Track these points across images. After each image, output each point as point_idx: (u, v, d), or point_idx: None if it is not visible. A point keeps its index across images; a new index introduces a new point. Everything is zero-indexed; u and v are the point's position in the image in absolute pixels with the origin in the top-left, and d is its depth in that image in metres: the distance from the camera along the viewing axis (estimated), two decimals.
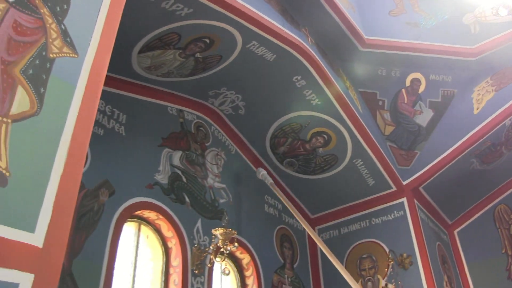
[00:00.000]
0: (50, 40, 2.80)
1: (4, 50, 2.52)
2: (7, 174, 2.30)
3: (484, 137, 8.80)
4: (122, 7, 3.52)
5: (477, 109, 8.91)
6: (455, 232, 10.75)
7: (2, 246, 2.17)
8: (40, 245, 2.28)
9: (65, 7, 2.98)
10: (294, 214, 7.85)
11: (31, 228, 2.30)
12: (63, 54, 2.85)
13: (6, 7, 2.61)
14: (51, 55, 2.77)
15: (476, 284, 9.86)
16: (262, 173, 8.27)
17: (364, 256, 8.98)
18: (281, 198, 8.04)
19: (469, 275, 10.05)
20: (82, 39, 3.03)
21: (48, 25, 2.82)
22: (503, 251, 9.89)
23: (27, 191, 2.35)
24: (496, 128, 8.72)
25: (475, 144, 8.85)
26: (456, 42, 8.95)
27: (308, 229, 7.43)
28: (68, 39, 2.93)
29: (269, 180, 8.18)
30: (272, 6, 6.83)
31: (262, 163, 8.93)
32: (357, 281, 8.56)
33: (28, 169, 2.40)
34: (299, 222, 9.53)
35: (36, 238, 2.31)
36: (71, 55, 2.90)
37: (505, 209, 10.30)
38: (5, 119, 2.39)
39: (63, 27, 2.91)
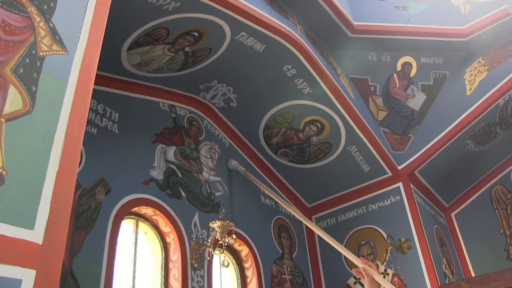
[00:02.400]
0: (39, 38, 2.80)
1: None
2: (4, 172, 2.31)
3: (478, 118, 8.78)
4: (109, 3, 3.51)
5: (470, 90, 8.91)
6: (453, 214, 10.79)
7: (4, 244, 2.19)
8: (40, 242, 2.30)
9: (52, 5, 2.97)
10: (268, 193, 7.83)
11: (30, 225, 2.32)
12: (52, 52, 2.84)
13: None
14: (41, 53, 2.76)
15: (475, 265, 9.90)
16: (233, 163, 8.28)
17: (363, 242, 9.01)
18: (256, 183, 8.04)
19: (468, 257, 10.09)
20: (71, 36, 3.03)
21: (36, 24, 2.81)
22: (501, 232, 9.94)
23: (25, 189, 2.37)
24: (490, 108, 8.70)
25: (469, 125, 8.83)
26: (446, 23, 8.93)
27: (292, 210, 7.39)
28: (57, 37, 2.92)
29: (241, 169, 8.22)
30: None
31: (256, 154, 8.94)
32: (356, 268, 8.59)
33: (24, 167, 2.41)
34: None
35: (36, 235, 2.32)
36: (60, 52, 2.89)
37: (502, 190, 10.33)
38: None
39: (51, 25, 2.91)
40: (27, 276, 2.22)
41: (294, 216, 9.36)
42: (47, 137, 2.57)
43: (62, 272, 4.45)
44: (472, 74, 9.00)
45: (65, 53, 2.93)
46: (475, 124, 8.87)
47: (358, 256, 8.63)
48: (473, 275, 9.63)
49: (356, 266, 3.68)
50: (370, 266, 3.50)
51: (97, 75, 3.19)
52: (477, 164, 10.17)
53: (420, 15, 8.92)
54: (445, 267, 8.78)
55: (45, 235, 2.32)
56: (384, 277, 8.30)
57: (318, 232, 5.86)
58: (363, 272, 3.47)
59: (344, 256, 8.75)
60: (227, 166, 8.28)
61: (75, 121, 2.76)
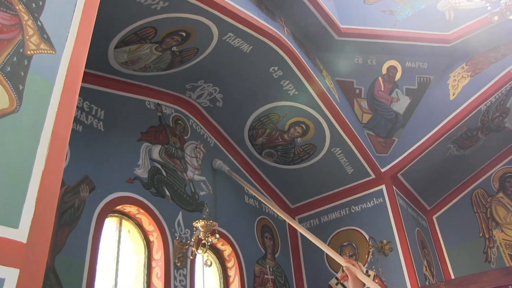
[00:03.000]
0: (27, 37, 2.79)
1: None
2: None
3: (461, 123, 8.89)
4: (98, 2, 3.52)
5: (453, 94, 9.01)
6: (434, 217, 10.90)
7: None
8: (25, 241, 2.29)
9: (41, 3, 2.97)
10: (253, 192, 7.86)
11: (15, 224, 2.31)
12: (40, 51, 2.84)
13: None
14: (29, 52, 2.76)
15: (455, 267, 10.02)
16: (218, 162, 8.29)
17: (345, 244, 9.07)
18: (240, 182, 8.07)
19: (448, 259, 10.21)
20: (59, 35, 3.03)
21: (24, 22, 2.80)
22: (481, 235, 10.06)
23: (10, 188, 2.36)
24: (472, 113, 8.81)
25: (452, 130, 8.94)
26: (432, 28, 9.01)
27: (277, 210, 7.41)
28: (45, 36, 2.92)
29: (225, 168, 8.23)
30: None
31: (240, 154, 8.97)
32: (338, 269, 8.67)
33: (10, 165, 2.41)
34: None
35: (20, 234, 2.31)
36: (48, 51, 2.89)
37: (482, 193, 10.46)
38: None
39: (39, 23, 2.91)
40: (10, 275, 2.21)
41: (277, 216, 9.41)
42: (33, 136, 2.56)
43: (45, 270, 4.43)
44: (455, 79, 9.10)
45: (53, 52, 2.93)
46: (458, 128, 8.98)
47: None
48: (452, 277, 9.75)
49: (340, 266, 3.72)
50: (353, 265, 3.53)
51: (84, 72, 3.20)
52: (459, 168, 10.29)
53: (406, 20, 9.00)
54: (426, 269, 8.87)
55: (29, 234, 2.31)
56: None
57: (301, 230, 5.90)
58: (346, 271, 3.50)
59: (326, 257, 8.86)
60: (211, 165, 8.29)
61: (62, 120, 2.76)
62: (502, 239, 9.78)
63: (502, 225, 9.91)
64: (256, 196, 7.71)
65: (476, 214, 10.33)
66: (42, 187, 2.47)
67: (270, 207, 7.41)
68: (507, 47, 8.71)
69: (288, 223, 9.56)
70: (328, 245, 9.13)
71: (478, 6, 8.38)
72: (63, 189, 5.31)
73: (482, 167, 10.59)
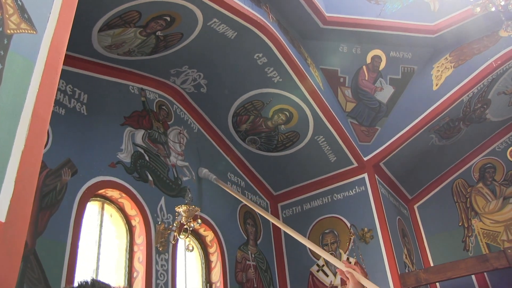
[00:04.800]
0: (7, 15, 2.76)
1: None
2: None
3: (443, 113, 8.98)
4: None
5: (437, 85, 9.08)
6: (415, 206, 11.01)
7: None
8: (3, 220, 2.28)
9: None
10: (239, 197, 7.89)
11: None
12: (21, 31, 2.82)
13: None
14: (9, 31, 2.73)
15: (435, 256, 10.15)
16: (204, 171, 8.19)
17: (327, 231, 9.15)
18: (228, 190, 8.07)
19: (428, 248, 10.34)
20: (40, 15, 3.00)
21: (3, 1, 2.77)
22: (460, 224, 10.19)
23: None
24: (454, 104, 8.90)
25: (434, 120, 9.03)
26: (416, 19, 9.06)
27: (259, 209, 7.43)
28: (26, 15, 2.89)
29: (212, 177, 8.16)
30: None
31: (224, 140, 8.98)
32: (320, 257, 8.74)
33: None
34: (262, 199, 9.66)
35: None
36: (29, 31, 2.87)
37: (463, 184, 10.59)
38: None
39: (19, 2, 2.88)
40: None
41: (260, 203, 9.46)
42: (13, 115, 2.54)
43: (25, 252, 4.42)
44: (439, 70, 9.17)
45: (34, 32, 2.90)
46: (440, 119, 9.06)
47: (322, 246, 8.83)
48: (432, 264, 9.87)
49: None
50: (354, 269, 3.48)
51: (67, 55, 3.18)
52: (441, 158, 10.39)
53: (391, 9, 9.03)
54: (406, 257, 8.97)
55: (8, 213, 2.30)
56: None
57: (292, 233, 5.84)
58: (348, 275, 3.45)
59: None
60: (197, 174, 8.20)
61: (43, 100, 2.74)
62: (480, 228, 9.92)
63: (481, 214, 10.05)
64: (243, 200, 7.74)
65: (456, 203, 10.45)
66: (22, 167, 2.46)
67: (257, 210, 7.37)
68: (490, 39, 8.79)
69: (272, 210, 9.65)
70: (310, 232, 9.25)
71: None
72: (45, 172, 5.29)
73: (463, 157, 10.70)
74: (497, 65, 8.53)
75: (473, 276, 9.12)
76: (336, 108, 8.98)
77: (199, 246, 7.74)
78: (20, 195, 2.39)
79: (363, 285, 3.43)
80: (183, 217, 6.58)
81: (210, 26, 6.80)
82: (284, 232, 9.46)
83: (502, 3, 7.07)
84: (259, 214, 9.23)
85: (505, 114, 10.00)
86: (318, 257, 8.88)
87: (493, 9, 7.18)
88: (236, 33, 7.05)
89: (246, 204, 8.91)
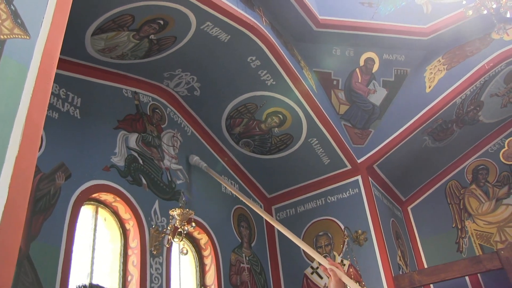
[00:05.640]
0: (0, 21, 2.76)
1: None
2: None
3: (436, 115, 9.03)
4: None
5: (429, 87, 9.12)
6: (409, 208, 11.03)
7: None
8: None
9: None
10: (232, 190, 7.92)
11: None
12: (14, 36, 2.82)
13: None
14: (2, 37, 2.74)
15: (428, 257, 10.17)
16: (195, 159, 8.24)
17: (321, 233, 9.16)
18: (217, 179, 8.10)
19: (421, 250, 10.36)
20: (34, 20, 3.00)
21: None
22: (454, 225, 10.22)
23: None
24: (447, 106, 8.95)
25: (428, 122, 9.08)
26: (409, 21, 9.08)
27: (253, 205, 7.42)
28: (19, 20, 2.89)
29: (203, 165, 8.19)
30: None
31: (218, 143, 8.98)
32: (314, 259, 8.74)
33: None
34: (256, 201, 9.66)
35: None
36: (22, 36, 2.87)
37: (456, 185, 10.62)
38: None
39: (13, 7, 2.88)
40: None
41: None
42: (7, 120, 2.54)
43: (19, 257, 4.40)
44: (432, 72, 9.21)
45: (27, 37, 2.91)
46: (433, 121, 9.10)
47: (316, 249, 8.84)
48: (425, 266, 9.89)
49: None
50: (337, 268, 3.60)
51: (60, 59, 3.18)
52: (434, 160, 10.42)
53: (384, 12, 9.06)
54: (400, 259, 8.99)
55: (2, 218, 2.30)
56: None
57: (285, 232, 5.86)
58: (330, 273, 3.55)
59: None
60: (187, 161, 8.26)
61: (36, 105, 2.74)
62: (474, 229, 9.95)
63: (474, 216, 10.08)
64: (233, 191, 7.79)
65: (450, 205, 10.48)
66: (16, 173, 2.46)
67: (248, 203, 7.36)
68: (482, 42, 8.84)
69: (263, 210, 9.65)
70: (304, 234, 9.26)
71: (454, 1, 8.47)
72: (38, 176, 5.28)
73: (456, 159, 10.73)
74: (489, 67, 8.58)
75: (466, 278, 9.14)
76: (330, 111, 9.00)
77: (193, 249, 7.73)
78: (14, 201, 2.39)
79: (344, 283, 3.53)
80: (177, 221, 6.58)
81: (203, 29, 6.81)
82: (278, 234, 9.47)
83: (494, 6, 7.12)
84: (253, 216, 9.24)
85: (498, 116, 10.04)
86: (312, 259, 8.89)
87: (485, 12, 7.22)
88: (229, 36, 7.06)
89: (240, 207, 8.93)
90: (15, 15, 2.87)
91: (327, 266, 3.64)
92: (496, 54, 8.56)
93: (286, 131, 8.69)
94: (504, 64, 8.63)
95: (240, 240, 8.64)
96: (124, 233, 6.45)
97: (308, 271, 8.93)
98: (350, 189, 9.28)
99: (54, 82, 3.01)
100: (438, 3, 8.90)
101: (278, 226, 6.13)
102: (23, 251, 4.69)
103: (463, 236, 10.02)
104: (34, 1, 3.05)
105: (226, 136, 8.85)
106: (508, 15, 7.36)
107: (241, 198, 7.48)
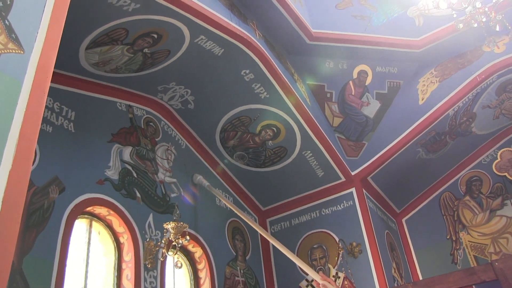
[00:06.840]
0: None
1: None
2: None
3: (429, 127, 9.08)
4: (68, 3, 3.51)
5: (422, 99, 9.18)
6: (403, 220, 11.06)
7: None
8: None
9: (9, 2, 2.95)
10: (234, 209, 7.92)
11: None
12: (8, 50, 2.82)
13: None
14: None
15: (423, 269, 10.18)
16: (198, 178, 8.30)
17: (315, 246, 9.15)
18: (219, 197, 8.15)
19: (416, 261, 10.37)
20: (28, 35, 3.01)
21: None
22: (448, 237, 10.24)
23: None
24: (440, 118, 9.02)
25: (421, 134, 9.13)
26: (402, 34, 9.16)
27: (252, 223, 7.43)
28: (13, 35, 2.90)
29: (205, 183, 8.24)
30: (219, 0, 6.88)
31: (212, 156, 8.98)
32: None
33: None
34: (250, 214, 9.65)
35: None
36: (16, 51, 2.88)
37: (450, 197, 10.66)
38: None
39: (7, 22, 2.89)
40: None
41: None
42: (0, 135, 2.55)
43: (11, 272, 4.38)
44: (425, 84, 9.27)
45: (21, 52, 2.91)
46: (426, 132, 9.15)
47: (311, 261, 8.83)
48: (420, 278, 9.89)
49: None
50: (329, 282, 3.64)
51: (54, 73, 3.18)
52: (428, 172, 10.46)
53: (377, 24, 9.13)
54: (394, 271, 8.98)
55: None
56: (335, 280, 8.45)
57: (278, 246, 5.88)
58: None
59: None
60: (191, 180, 8.30)
61: (30, 120, 2.74)
62: (468, 241, 9.97)
63: (468, 227, 10.11)
64: (234, 210, 7.79)
65: (444, 216, 10.51)
66: (9, 188, 2.45)
67: (250, 222, 7.38)
68: (473, 54, 8.92)
69: (261, 226, 9.63)
70: (298, 247, 9.24)
71: (445, 14, 8.53)
72: (32, 190, 5.26)
73: (450, 170, 10.78)
74: (481, 79, 8.66)
75: None
76: (323, 123, 9.03)
77: (187, 262, 7.71)
78: (7, 215, 2.38)
79: None
80: (172, 234, 6.56)
81: (197, 43, 6.84)
82: (273, 247, 9.45)
83: (484, 19, 7.20)
84: (247, 229, 9.23)
85: (490, 127, 10.11)
86: (306, 272, 8.87)
87: (476, 25, 7.30)
88: (223, 49, 7.10)
89: (234, 220, 8.92)
90: (9, 30, 2.88)
91: (320, 281, 3.68)
92: (487, 66, 8.64)
93: (280, 144, 8.70)
94: (495, 76, 8.71)
95: (234, 253, 8.62)
96: (118, 246, 6.42)
97: (303, 284, 8.91)
98: (344, 201, 9.29)
99: (48, 95, 3.02)
100: (429, 16, 8.98)
101: (272, 240, 6.13)
102: (15, 266, 4.65)
103: (457, 247, 10.03)
104: (28, 16, 3.06)
105: (220, 149, 8.86)
106: (497, 29, 7.44)
107: (238, 214, 7.49)
